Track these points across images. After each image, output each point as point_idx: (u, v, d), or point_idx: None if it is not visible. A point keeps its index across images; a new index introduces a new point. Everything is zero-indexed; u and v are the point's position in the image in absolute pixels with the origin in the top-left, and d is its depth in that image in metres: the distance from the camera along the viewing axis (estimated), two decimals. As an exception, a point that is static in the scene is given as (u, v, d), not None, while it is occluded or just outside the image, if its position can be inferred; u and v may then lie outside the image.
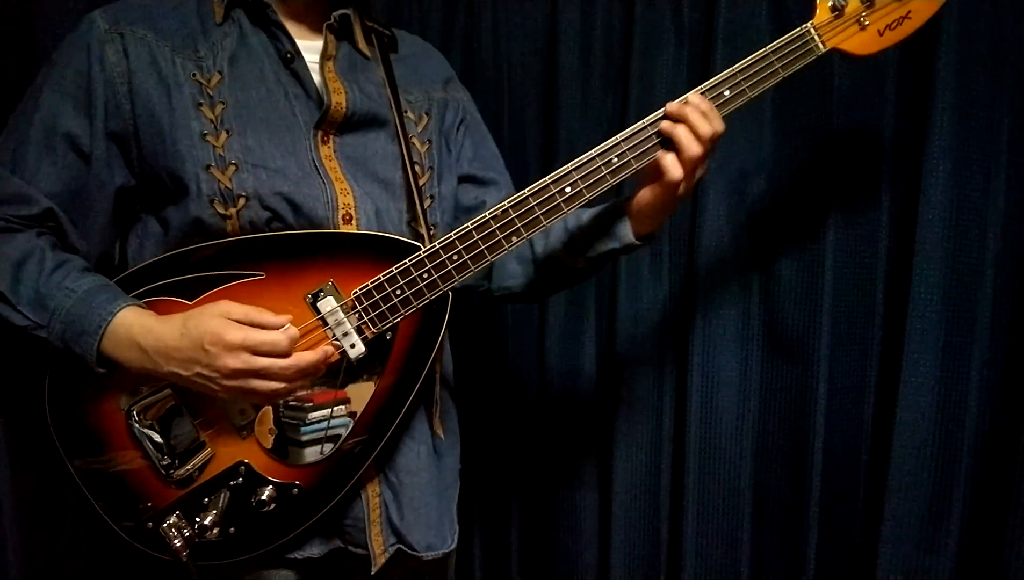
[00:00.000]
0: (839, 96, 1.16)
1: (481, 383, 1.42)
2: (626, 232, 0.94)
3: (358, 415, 0.89)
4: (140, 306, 0.83)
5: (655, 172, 0.87)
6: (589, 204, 0.90)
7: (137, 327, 0.80)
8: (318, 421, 0.88)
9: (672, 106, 0.86)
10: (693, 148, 0.84)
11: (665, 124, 0.86)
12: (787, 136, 1.22)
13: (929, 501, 1.17)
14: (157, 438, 0.86)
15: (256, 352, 0.78)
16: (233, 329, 0.78)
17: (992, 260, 1.13)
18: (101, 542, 1.14)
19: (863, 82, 1.17)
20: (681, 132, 0.85)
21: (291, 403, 0.87)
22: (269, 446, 0.88)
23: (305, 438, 0.89)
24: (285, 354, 0.80)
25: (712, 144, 0.86)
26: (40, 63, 0.88)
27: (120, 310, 0.80)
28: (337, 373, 0.87)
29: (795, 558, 1.27)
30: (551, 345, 1.37)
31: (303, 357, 0.81)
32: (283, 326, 0.81)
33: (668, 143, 0.86)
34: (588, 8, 1.28)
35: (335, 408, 0.89)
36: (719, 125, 0.86)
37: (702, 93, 0.86)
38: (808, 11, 1.17)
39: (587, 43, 1.29)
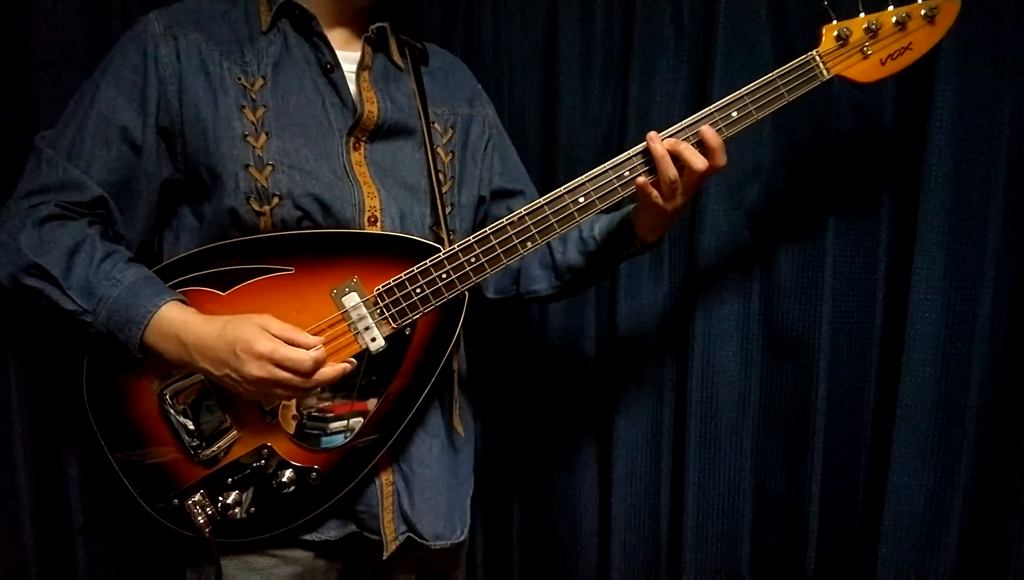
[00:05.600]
0: (838, 96, 1.16)
1: (482, 380, 1.42)
2: (632, 241, 1.02)
3: (374, 406, 0.95)
4: (182, 301, 0.89)
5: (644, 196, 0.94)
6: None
7: (179, 322, 0.86)
8: (338, 431, 0.95)
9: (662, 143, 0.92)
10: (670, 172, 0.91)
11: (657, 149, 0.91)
12: (787, 136, 1.22)
13: (929, 501, 1.17)
14: (187, 420, 0.92)
15: (280, 366, 0.83)
16: (264, 339, 0.83)
17: (992, 260, 1.13)
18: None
19: (863, 82, 1.17)
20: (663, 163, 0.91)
21: (314, 414, 0.94)
22: (292, 431, 0.93)
23: (324, 446, 0.95)
24: (307, 374, 0.85)
25: (695, 178, 0.92)
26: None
27: (165, 304, 0.86)
28: (356, 374, 0.92)
29: (795, 558, 1.27)
30: (551, 346, 1.37)
31: (322, 374, 0.87)
32: (315, 346, 0.86)
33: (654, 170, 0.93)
34: (588, 9, 1.28)
35: (351, 421, 0.95)
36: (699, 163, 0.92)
37: (709, 114, 0.93)
38: (807, 10, 1.18)
39: (587, 43, 1.29)
